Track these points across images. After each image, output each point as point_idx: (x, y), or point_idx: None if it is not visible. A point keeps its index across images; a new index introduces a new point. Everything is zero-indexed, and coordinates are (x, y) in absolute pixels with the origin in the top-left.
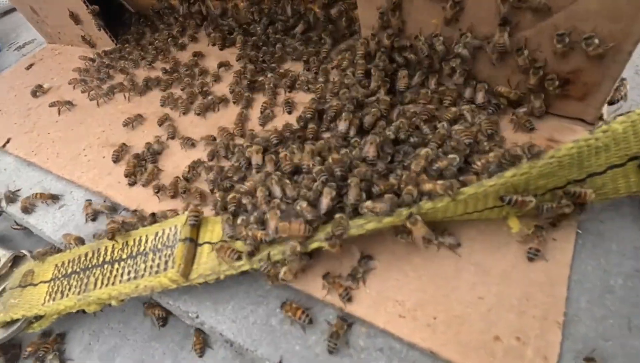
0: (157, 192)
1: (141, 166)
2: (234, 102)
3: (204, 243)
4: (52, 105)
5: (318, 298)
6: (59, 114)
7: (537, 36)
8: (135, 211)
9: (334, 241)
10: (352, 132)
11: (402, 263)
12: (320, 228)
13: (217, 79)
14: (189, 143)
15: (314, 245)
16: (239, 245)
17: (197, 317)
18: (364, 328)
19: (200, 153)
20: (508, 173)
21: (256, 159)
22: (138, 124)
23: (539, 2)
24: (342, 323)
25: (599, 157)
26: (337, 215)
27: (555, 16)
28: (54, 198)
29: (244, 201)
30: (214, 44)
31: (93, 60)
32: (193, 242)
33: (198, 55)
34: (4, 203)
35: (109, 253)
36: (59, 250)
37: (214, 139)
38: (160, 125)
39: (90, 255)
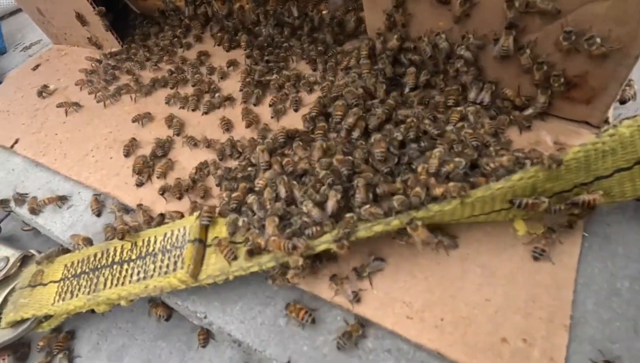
0: (164, 193)
1: (149, 167)
2: (244, 101)
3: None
4: (59, 106)
5: (325, 299)
6: (67, 115)
7: (544, 40)
8: (139, 205)
9: (342, 243)
10: (356, 134)
11: (410, 264)
12: (328, 230)
13: (224, 76)
14: (192, 142)
15: (322, 247)
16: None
17: (205, 317)
18: (372, 329)
19: (207, 153)
20: (515, 176)
21: (263, 157)
22: (147, 122)
23: (548, 5)
24: (358, 326)
25: (606, 160)
26: (348, 215)
27: (562, 20)
28: (62, 199)
29: (250, 200)
30: (219, 44)
31: (99, 61)
32: (202, 243)
33: (204, 55)
34: (12, 204)
35: (118, 253)
36: (65, 251)
37: (228, 128)
38: (168, 126)
39: (99, 255)
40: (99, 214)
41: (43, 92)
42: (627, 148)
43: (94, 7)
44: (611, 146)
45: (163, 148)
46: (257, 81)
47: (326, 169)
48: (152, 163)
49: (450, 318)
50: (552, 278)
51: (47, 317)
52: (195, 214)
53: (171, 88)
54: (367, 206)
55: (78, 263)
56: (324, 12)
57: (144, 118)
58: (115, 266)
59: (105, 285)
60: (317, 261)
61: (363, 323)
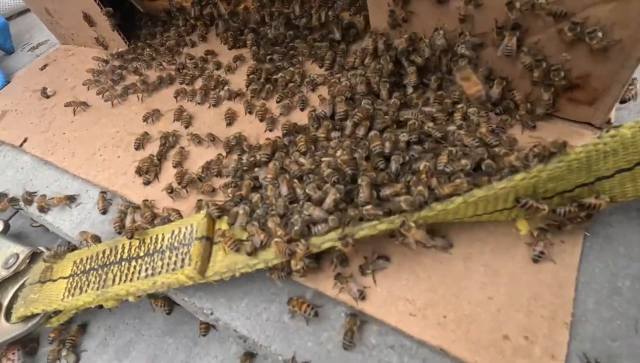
0: (171, 192)
1: (155, 166)
2: (252, 97)
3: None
4: (67, 105)
5: (330, 296)
6: (74, 114)
7: (548, 41)
8: (145, 201)
9: (346, 241)
10: (361, 133)
11: (413, 263)
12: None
13: (230, 69)
14: (197, 139)
15: (326, 245)
16: (239, 234)
17: (211, 313)
18: (376, 326)
19: (212, 152)
20: (518, 176)
21: (265, 150)
22: (156, 120)
23: (554, 7)
24: (354, 320)
25: (607, 161)
26: (351, 210)
27: (565, 22)
28: (71, 199)
29: (254, 198)
30: (225, 43)
31: (106, 61)
32: (209, 241)
33: (210, 53)
34: (21, 203)
35: (126, 250)
36: (73, 248)
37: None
38: (177, 119)
39: (107, 252)
40: (104, 212)
41: (43, 93)
42: (629, 148)
43: (101, 8)
44: (612, 147)
45: (169, 141)
46: (264, 78)
47: (331, 169)
48: (159, 162)
49: (453, 315)
50: (554, 276)
51: (56, 312)
52: (203, 212)
53: (180, 83)
54: (369, 206)
55: (87, 259)
56: (329, 12)
57: (153, 116)
58: (123, 263)
59: (113, 281)
60: (320, 260)
61: (355, 314)
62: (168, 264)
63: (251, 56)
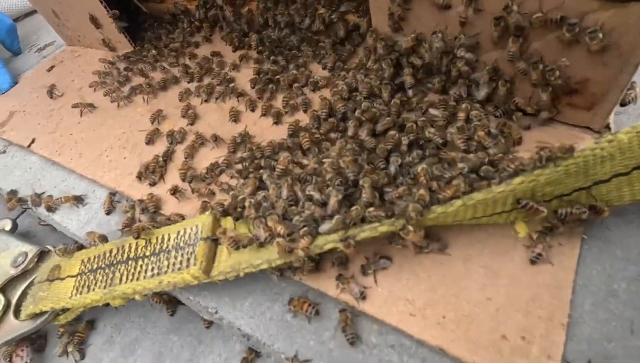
0: (174, 193)
1: (161, 167)
2: (258, 98)
3: None
4: (74, 106)
5: (332, 296)
6: (81, 115)
7: (546, 48)
8: (150, 193)
9: (348, 242)
10: (364, 135)
11: (413, 264)
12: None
13: (236, 67)
14: (200, 140)
15: (328, 246)
16: (242, 233)
17: (216, 312)
18: (376, 325)
19: (217, 152)
20: (516, 180)
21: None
22: (162, 121)
23: (555, 15)
24: (346, 315)
25: (605, 166)
26: (353, 207)
27: (564, 29)
28: (78, 199)
29: (258, 197)
30: (230, 44)
31: (112, 63)
32: (214, 241)
33: (216, 55)
34: (29, 203)
35: (132, 250)
36: (80, 247)
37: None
38: (183, 115)
39: (114, 251)
40: (108, 213)
41: (52, 91)
42: (625, 153)
43: (108, 11)
44: (610, 152)
45: (176, 138)
46: (268, 79)
47: (334, 171)
48: (164, 163)
49: (453, 316)
50: (552, 278)
51: (64, 310)
52: (207, 213)
53: (189, 82)
54: (372, 208)
55: (94, 258)
56: (332, 15)
57: (159, 117)
58: (130, 262)
59: (120, 280)
60: (321, 261)
61: (345, 308)
62: (174, 264)
63: (255, 57)
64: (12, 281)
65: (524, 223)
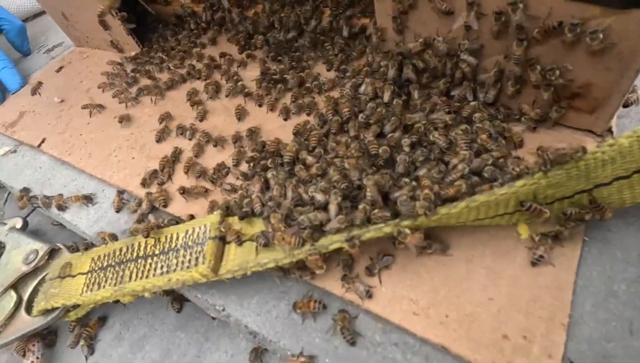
0: (183, 193)
1: (170, 167)
2: (266, 95)
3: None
4: (84, 107)
5: (337, 295)
6: (90, 116)
7: (548, 53)
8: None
9: (353, 242)
10: (370, 136)
11: (416, 265)
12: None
13: (243, 63)
14: (206, 138)
15: (334, 246)
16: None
17: (223, 310)
18: (380, 324)
19: (222, 155)
20: (519, 183)
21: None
22: (169, 121)
23: (548, 22)
24: (343, 315)
25: (606, 169)
26: (361, 205)
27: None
28: (88, 198)
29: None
30: (237, 44)
31: (120, 64)
32: (222, 240)
33: (223, 56)
34: (39, 202)
35: (142, 248)
36: (91, 245)
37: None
38: (192, 107)
39: (124, 249)
40: (118, 211)
41: (37, 89)
42: (626, 157)
43: (116, 13)
44: (610, 156)
45: (186, 134)
46: (274, 80)
47: (339, 174)
48: (173, 163)
49: (455, 315)
50: (553, 279)
51: (75, 307)
52: (216, 212)
53: (197, 78)
54: (376, 210)
55: (105, 256)
56: (338, 17)
57: (167, 118)
58: (139, 260)
59: (130, 277)
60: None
61: (344, 309)
62: (182, 262)
63: (261, 58)
64: (24, 278)
65: (526, 225)
